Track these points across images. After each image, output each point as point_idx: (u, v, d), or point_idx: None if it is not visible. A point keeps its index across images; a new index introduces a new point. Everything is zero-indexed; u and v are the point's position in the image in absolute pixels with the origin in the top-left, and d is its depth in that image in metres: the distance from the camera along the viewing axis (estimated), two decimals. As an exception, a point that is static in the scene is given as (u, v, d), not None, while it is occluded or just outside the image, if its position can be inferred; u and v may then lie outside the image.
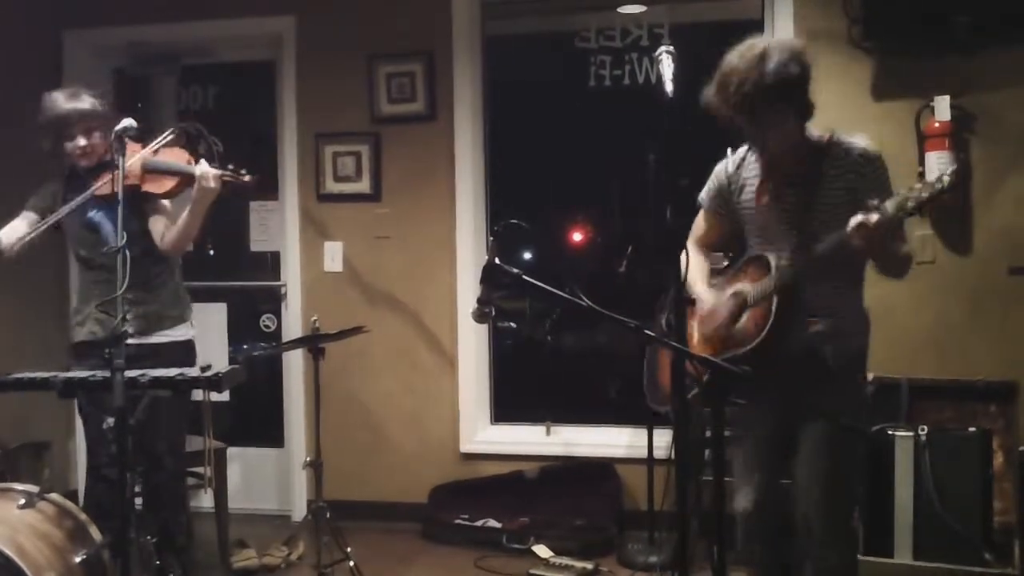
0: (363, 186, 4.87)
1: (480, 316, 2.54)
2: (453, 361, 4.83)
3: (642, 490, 4.28)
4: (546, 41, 5.19)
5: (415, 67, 4.77)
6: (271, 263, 5.20)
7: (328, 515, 3.91)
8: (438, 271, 4.82)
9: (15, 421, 4.53)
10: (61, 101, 3.34)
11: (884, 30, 4.12)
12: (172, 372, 2.89)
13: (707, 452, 3.53)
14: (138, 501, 2.88)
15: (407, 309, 4.86)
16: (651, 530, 4.16)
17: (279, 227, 5.09)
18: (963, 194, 4.13)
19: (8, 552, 2.59)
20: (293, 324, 4.96)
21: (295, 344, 4.51)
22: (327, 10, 4.86)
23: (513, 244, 4.63)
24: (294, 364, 4.99)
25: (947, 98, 4.04)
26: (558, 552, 4.25)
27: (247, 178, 3.29)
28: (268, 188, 5.01)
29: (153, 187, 3.32)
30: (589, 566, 4.06)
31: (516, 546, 4.36)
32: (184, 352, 3.47)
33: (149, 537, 3.03)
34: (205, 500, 4.42)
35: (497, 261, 2.39)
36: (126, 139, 2.87)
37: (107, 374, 2.63)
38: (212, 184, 3.21)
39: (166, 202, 3.42)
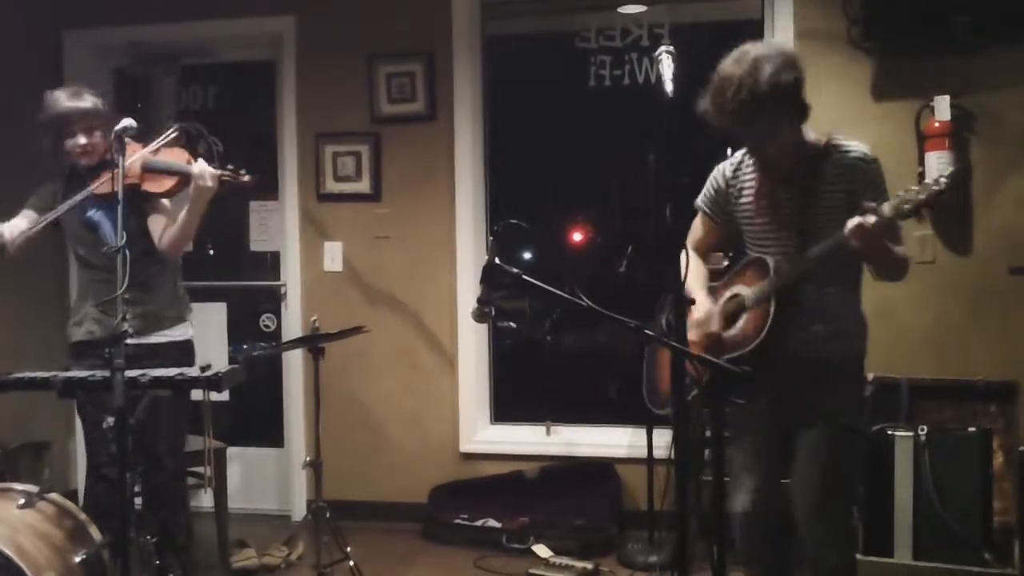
0: (363, 186, 4.87)
1: (480, 316, 2.54)
2: (453, 361, 4.83)
3: (642, 490, 4.28)
4: (546, 41, 5.19)
5: (415, 67, 4.77)
6: (271, 263, 5.20)
7: (328, 515, 3.91)
8: (438, 271, 4.82)
9: (15, 421, 4.53)
10: (63, 99, 3.35)
11: (884, 30, 4.12)
12: (172, 372, 2.89)
13: (707, 452, 3.53)
14: (137, 501, 2.87)
15: (407, 309, 4.86)
16: (651, 530, 4.16)
17: (279, 227, 5.09)
18: (963, 194, 4.13)
19: (8, 552, 2.59)
20: (293, 324, 4.96)
21: (295, 344, 4.51)
22: (327, 10, 4.86)
23: (513, 244, 4.63)
24: (294, 364, 4.99)
25: (947, 98, 4.04)
26: (558, 552, 4.25)
27: (246, 178, 3.29)
28: (268, 188, 5.01)
29: (152, 186, 3.32)
30: (589, 566, 4.06)
31: (516, 546, 4.36)
32: (182, 352, 3.47)
33: (149, 537, 3.03)
34: (205, 500, 4.43)
35: (497, 261, 2.39)
36: (126, 139, 2.87)
37: (107, 374, 2.63)
38: (210, 183, 3.21)
39: (165, 201, 3.42)
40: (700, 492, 3.68)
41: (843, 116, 4.14)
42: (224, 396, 4.07)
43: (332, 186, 4.91)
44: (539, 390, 5.18)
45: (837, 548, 2.75)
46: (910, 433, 3.68)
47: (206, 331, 4.79)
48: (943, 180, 2.37)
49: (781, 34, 4.32)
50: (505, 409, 5.00)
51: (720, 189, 2.85)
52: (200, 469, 3.67)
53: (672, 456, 2.55)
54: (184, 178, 3.28)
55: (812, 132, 2.69)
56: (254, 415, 5.30)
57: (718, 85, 2.55)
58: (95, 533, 2.86)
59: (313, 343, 4.00)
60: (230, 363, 4.39)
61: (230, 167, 3.28)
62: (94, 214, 3.39)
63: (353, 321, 4.23)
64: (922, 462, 3.64)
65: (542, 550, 4.28)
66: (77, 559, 2.75)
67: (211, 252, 5.50)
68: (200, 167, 3.22)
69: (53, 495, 2.91)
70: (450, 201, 4.79)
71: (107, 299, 3.08)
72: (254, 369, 4.79)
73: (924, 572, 3.57)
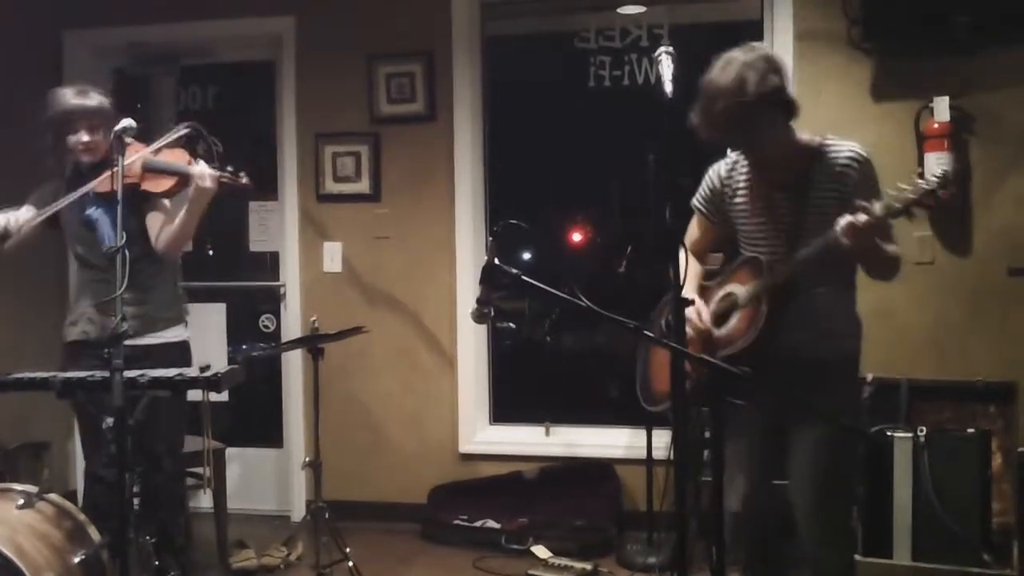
0: (363, 186, 4.87)
1: (479, 316, 2.54)
2: (452, 361, 4.83)
3: (641, 491, 4.29)
4: (546, 41, 5.19)
5: (415, 67, 4.77)
6: (270, 263, 5.20)
7: (327, 515, 3.92)
8: (437, 271, 4.82)
9: (15, 421, 4.53)
10: (68, 97, 3.36)
11: (883, 31, 4.12)
12: (171, 372, 2.89)
13: (706, 453, 3.53)
14: (136, 501, 2.87)
15: (406, 309, 4.86)
16: (650, 531, 4.16)
17: (278, 227, 5.09)
18: (963, 195, 4.13)
19: (7, 552, 2.59)
20: (292, 324, 4.96)
21: (294, 344, 4.51)
22: (327, 10, 4.86)
23: (512, 244, 4.63)
24: (293, 364, 4.99)
25: (946, 99, 4.04)
26: (557, 553, 4.25)
27: (245, 180, 3.30)
28: (268, 188, 5.01)
29: (152, 186, 3.32)
30: (588, 567, 4.06)
31: (515, 547, 4.36)
32: (178, 354, 3.45)
33: (148, 537, 3.03)
34: (204, 500, 4.44)
35: (496, 261, 2.39)
36: (129, 138, 2.87)
37: (106, 374, 2.63)
38: (209, 184, 3.22)
39: (165, 201, 3.42)
40: (699, 493, 3.68)
41: (843, 116, 4.14)
42: (223, 396, 4.06)
43: (332, 186, 4.91)
44: (538, 391, 5.18)
45: (836, 548, 2.75)
46: (909, 434, 3.68)
47: (205, 331, 4.81)
48: (933, 179, 2.38)
49: (781, 35, 4.33)
50: (504, 410, 5.00)
51: (715, 189, 2.86)
52: (199, 469, 3.66)
53: (671, 457, 2.56)
54: (184, 179, 3.28)
55: (805, 132, 2.70)
56: (253, 415, 5.30)
57: (705, 97, 2.57)
58: (94, 534, 2.86)
59: (312, 343, 4.00)
60: (229, 363, 4.41)
61: (230, 169, 3.28)
62: (93, 212, 3.39)
63: (352, 321, 4.23)
64: (921, 463, 3.64)
65: (541, 551, 4.28)
66: (76, 560, 2.75)
67: (210, 252, 5.50)
68: (200, 168, 3.23)
69: (52, 495, 2.91)
70: (450, 201, 4.79)
71: (106, 299, 3.08)
72: (253, 369, 4.77)
73: (923, 573, 3.57)
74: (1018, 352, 4.03)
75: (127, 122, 2.87)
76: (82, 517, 2.89)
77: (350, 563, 3.87)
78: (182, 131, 3.29)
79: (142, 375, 2.80)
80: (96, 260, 3.38)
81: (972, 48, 4.01)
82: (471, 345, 4.82)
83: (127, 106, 4.61)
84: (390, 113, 4.83)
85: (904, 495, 3.64)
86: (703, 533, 3.55)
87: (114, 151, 2.82)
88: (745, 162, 2.78)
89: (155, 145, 3.30)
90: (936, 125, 4.07)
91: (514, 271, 2.36)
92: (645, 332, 2.40)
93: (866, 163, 2.63)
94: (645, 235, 4.08)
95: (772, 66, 2.57)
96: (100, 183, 3.24)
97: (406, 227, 4.84)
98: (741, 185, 2.79)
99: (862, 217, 2.40)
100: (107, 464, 2.94)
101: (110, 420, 2.59)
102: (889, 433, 3.70)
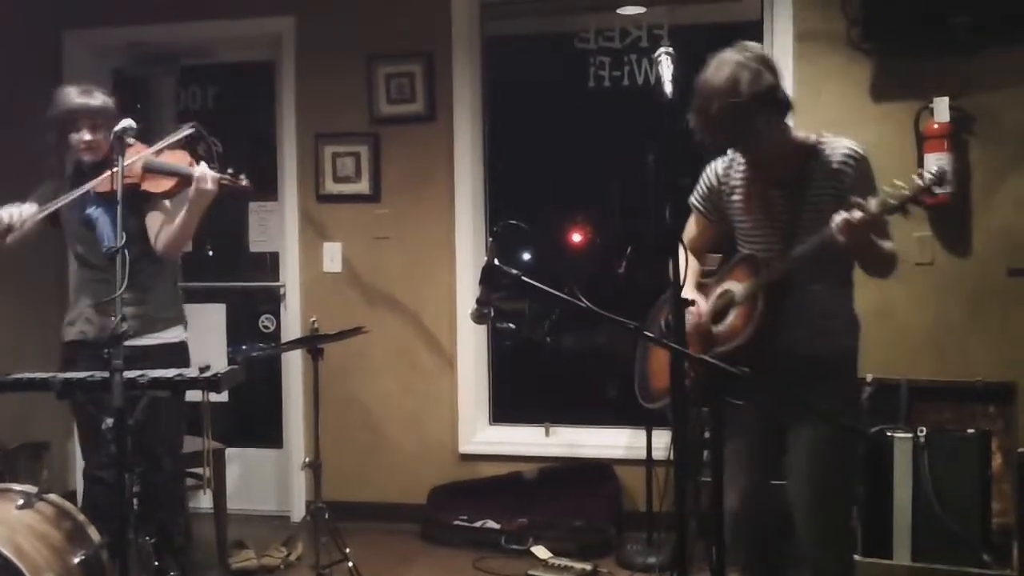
0: (362, 187, 4.87)
1: (479, 317, 2.54)
2: (452, 362, 4.83)
3: (641, 491, 4.29)
4: (546, 41, 5.19)
5: (414, 67, 4.77)
6: (270, 264, 5.20)
7: (327, 516, 3.92)
8: (437, 272, 4.82)
9: (14, 421, 4.53)
10: (73, 95, 3.36)
11: (883, 31, 4.12)
12: (171, 373, 2.89)
13: (706, 453, 3.53)
14: (135, 502, 2.87)
15: (406, 310, 4.86)
16: (650, 531, 4.16)
17: (278, 228, 5.09)
18: (962, 195, 4.13)
19: (6, 553, 2.59)
20: (292, 325, 4.96)
21: (294, 345, 4.51)
22: (327, 10, 4.86)
23: (512, 245, 4.62)
24: (293, 365, 4.99)
25: (946, 99, 4.04)
26: (557, 553, 4.25)
27: (245, 183, 3.30)
28: (267, 188, 5.01)
29: (152, 187, 3.32)
30: (588, 567, 4.06)
31: (515, 547, 4.36)
32: (175, 355, 3.45)
33: (147, 538, 3.03)
34: (204, 501, 4.43)
35: (496, 262, 2.39)
36: (132, 139, 2.88)
37: (105, 374, 2.63)
38: (210, 186, 3.22)
39: (166, 202, 3.42)
40: (699, 493, 3.68)
41: (842, 117, 4.14)
42: (223, 397, 4.06)
43: (331, 187, 4.91)
44: (538, 391, 5.18)
45: (836, 549, 2.75)
46: (909, 434, 3.68)
47: (206, 332, 4.81)
48: (928, 175, 2.38)
49: (781, 35, 4.33)
50: (504, 410, 5.00)
51: (713, 187, 2.87)
52: (199, 470, 3.66)
53: (671, 457, 2.56)
54: (184, 180, 3.28)
55: (801, 131, 2.70)
56: (253, 416, 5.30)
57: (700, 97, 2.58)
58: (94, 534, 2.86)
59: (312, 344, 4.00)
60: (229, 364, 4.40)
61: (230, 171, 3.28)
62: (93, 211, 3.39)
63: (352, 322, 4.23)
64: (921, 463, 3.64)
65: (541, 551, 4.28)
66: (76, 560, 2.75)
67: (210, 253, 5.50)
68: (201, 170, 3.23)
69: (52, 496, 2.91)
70: (449, 202, 4.79)
71: (106, 300, 3.08)
72: (253, 370, 4.77)
73: (923, 573, 3.57)
74: (1018, 352, 4.03)
75: (127, 122, 2.87)
76: (82, 517, 2.89)
77: (350, 563, 3.87)
78: (186, 132, 3.29)
79: (142, 375, 2.80)
80: (96, 260, 3.38)
81: (972, 48, 4.01)
82: (471, 345, 4.82)
83: (127, 106, 4.59)
84: (390, 113, 4.83)
85: (904, 495, 3.64)
86: (703, 533, 3.55)
87: (114, 151, 2.83)
88: (742, 160, 2.78)
89: (157, 146, 3.30)
90: (936, 125, 4.07)
91: (514, 271, 2.36)
92: (645, 333, 2.40)
93: (862, 160, 2.64)
94: (645, 235, 4.07)
95: (765, 65, 2.57)
96: (100, 182, 3.25)
97: (406, 227, 4.84)
98: (738, 183, 2.79)
99: (857, 214, 2.40)
100: (107, 464, 2.94)
101: (110, 420, 2.59)
102: (889, 433, 3.70)
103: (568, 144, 5.13)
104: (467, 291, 4.72)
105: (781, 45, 4.30)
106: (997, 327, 4.12)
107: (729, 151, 2.84)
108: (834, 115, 4.15)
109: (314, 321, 4.05)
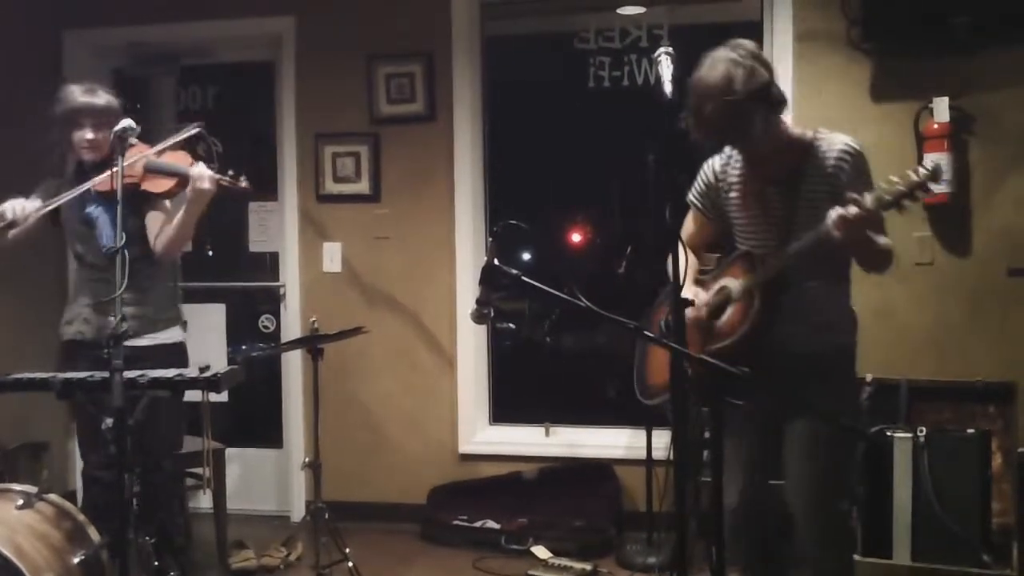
0: (362, 187, 4.87)
1: (479, 317, 2.54)
2: (452, 362, 4.83)
3: (641, 491, 4.29)
4: (546, 41, 5.19)
5: (414, 67, 4.77)
6: (270, 264, 5.20)
7: (327, 516, 3.92)
8: (437, 272, 4.82)
9: (14, 421, 4.53)
10: (77, 94, 3.37)
11: (883, 31, 4.12)
12: (171, 373, 2.89)
13: (705, 452, 3.53)
14: (135, 502, 2.87)
15: (406, 310, 4.85)
16: (650, 531, 4.16)
17: (278, 228, 5.09)
18: (962, 195, 4.13)
19: (6, 553, 2.59)
20: (292, 325, 4.96)
21: (294, 345, 4.51)
22: (327, 10, 4.86)
23: (512, 245, 4.63)
24: (293, 365, 4.99)
25: (946, 99, 4.04)
26: (557, 553, 4.25)
27: (244, 184, 3.29)
28: (267, 188, 5.01)
29: (152, 186, 3.32)
30: (588, 567, 4.06)
31: (515, 547, 4.36)
32: (174, 355, 3.44)
33: (148, 538, 3.03)
34: (204, 501, 4.43)
35: (496, 262, 2.39)
36: (134, 139, 2.88)
37: (105, 375, 2.63)
38: (208, 186, 3.21)
39: (166, 202, 3.42)
40: (699, 493, 3.68)
41: (842, 117, 4.14)
42: (223, 397, 4.06)
43: (331, 187, 4.91)
44: (538, 391, 5.18)
45: (835, 548, 2.76)
46: (909, 434, 3.68)
47: (205, 332, 4.81)
48: (923, 171, 2.39)
49: (781, 35, 4.33)
50: (504, 410, 5.00)
51: (710, 184, 2.87)
52: (199, 470, 3.66)
53: (671, 457, 2.56)
54: (184, 180, 3.28)
55: (797, 127, 2.71)
56: (253, 416, 5.30)
57: (695, 96, 2.58)
58: (94, 534, 2.86)
59: (312, 344, 4.00)
60: (229, 364, 4.40)
61: (231, 172, 3.28)
62: (93, 210, 3.39)
63: (352, 322, 4.23)
64: (921, 463, 3.64)
65: (541, 551, 4.28)
66: (76, 560, 2.75)
67: (210, 253, 5.50)
68: (199, 169, 3.22)
69: (52, 496, 2.91)
70: (449, 202, 4.79)
71: (105, 299, 3.08)
72: (253, 370, 4.76)
73: (923, 573, 3.57)
74: (1018, 352, 4.03)
75: (127, 122, 2.87)
76: (81, 517, 2.89)
77: (350, 563, 3.87)
78: (191, 131, 3.29)
79: (142, 375, 2.80)
80: (95, 259, 3.38)
81: (972, 48, 4.01)
82: (471, 345, 4.82)
83: (127, 106, 4.62)
84: (390, 113, 4.83)
85: (904, 495, 3.64)
86: (703, 533, 3.55)
87: (114, 151, 2.83)
88: (739, 157, 2.79)
89: (160, 146, 3.30)
90: (936, 125, 4.07)
91: (514, 271, 2.36)
92: (645, 333, 2.40)
93: (858, 156, 2.64)
94: (645, 235, 4.07)
95: (759, 61, 2.58)
96: (101, 181, 3.24)
97: (406, 227, 4.84)
98: (735, 179, 2.80)
99: (853, 209, 2.41)
100: (106, 465, 2.94)
101: (109, 421, 2.59)
102: (889, 433, 3.70)
103: (568, 144, 5.14)
104: (467, 291, 4.72)
105: (781, 45, 4.30)
106: (997, 327, 4.12)
107: (727, 148, 2.84)
108: (834, 115, 4.15)
109: (314, 321, 4.05)
